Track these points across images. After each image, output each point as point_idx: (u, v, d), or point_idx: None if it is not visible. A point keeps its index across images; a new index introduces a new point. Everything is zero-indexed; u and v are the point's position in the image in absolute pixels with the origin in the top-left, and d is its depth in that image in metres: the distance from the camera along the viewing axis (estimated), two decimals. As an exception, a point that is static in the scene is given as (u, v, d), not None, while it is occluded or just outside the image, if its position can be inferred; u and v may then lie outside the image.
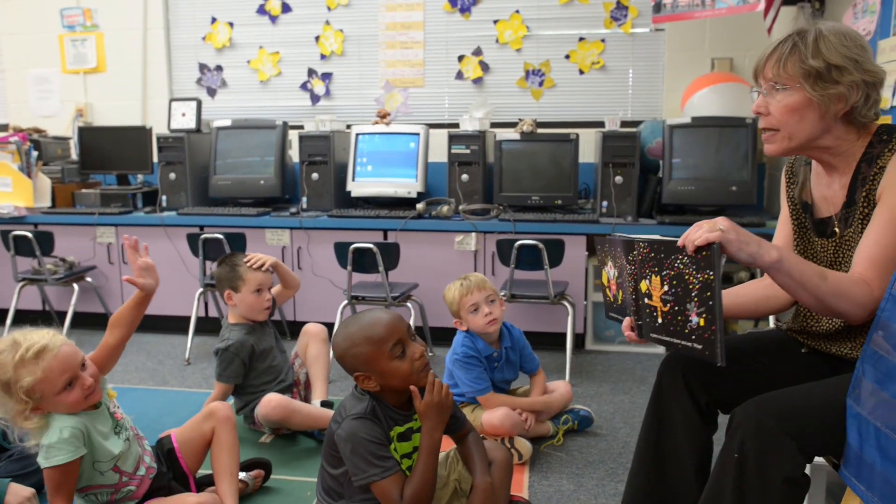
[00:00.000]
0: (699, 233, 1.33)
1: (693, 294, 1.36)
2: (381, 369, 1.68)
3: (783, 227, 1.74)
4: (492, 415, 2.49)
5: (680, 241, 1.36)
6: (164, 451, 2.08)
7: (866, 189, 1.49)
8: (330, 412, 2.62)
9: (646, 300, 1.50)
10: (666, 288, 1.43)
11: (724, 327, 1.33)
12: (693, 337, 1.38)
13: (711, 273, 1.31)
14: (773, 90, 1.51)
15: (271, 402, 2.54)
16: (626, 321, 1.60)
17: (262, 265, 2.68)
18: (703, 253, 1.32)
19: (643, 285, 1.50)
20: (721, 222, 1.34)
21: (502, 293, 3.42)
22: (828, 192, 1.61)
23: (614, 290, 1.67)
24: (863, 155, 1.52)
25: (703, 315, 1.35)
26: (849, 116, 1.49)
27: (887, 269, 1.39)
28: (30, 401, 1.71)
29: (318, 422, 2.60)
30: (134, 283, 2.01)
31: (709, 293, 1.32)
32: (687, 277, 1.37)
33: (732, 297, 1.71)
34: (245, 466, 2.28)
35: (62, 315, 4.09)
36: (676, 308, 1.41)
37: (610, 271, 1.68)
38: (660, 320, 1.47)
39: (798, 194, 1.69)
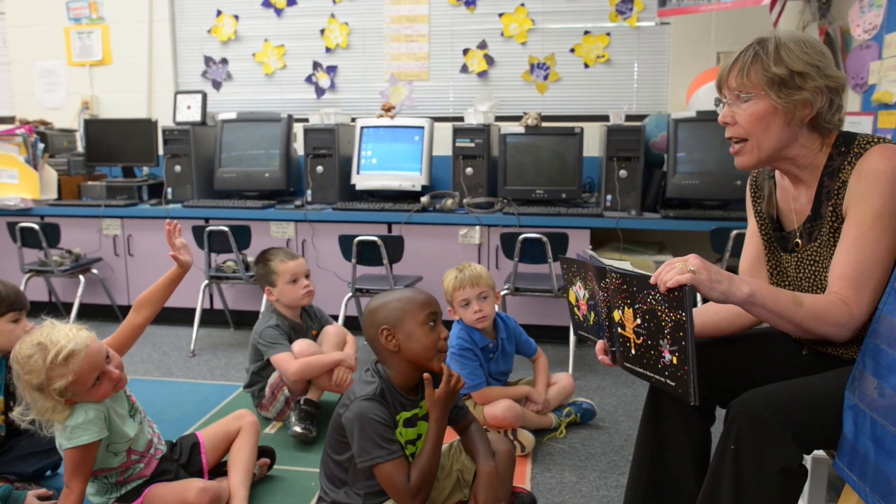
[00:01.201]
0: (670, 274, 1.32)
1: (666, 331, 1.35)
2: (409, 330, 1.74)
3: (751, 242, 1.73)
4: (494, 407, 2.51)
5: (653, 279, 1.35)
6: (188, 446, 2.13)
7: (832, 203, 1.49)
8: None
9: (619, 330, 1.49)
10: (639, 321, 1.41)
11: (696, 365, 1.32)
12: (666, 373, 1.38)
13: (683, 314, 1.30)
14: (737, 100, 1.51)
15: (304, 342, 2.72)
16: (600, 344, 1.59)
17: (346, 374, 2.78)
18: (675, 293, 1.31)
19: (616, 315, 1.48)
20: (692, 262, 1.34)
21: (506, 286, 3.44)
22: (795, 205, 1.61)
23: (584, 311, 1.66)
24: (825, 167, 1.52)
25: (676, 354, 1.34)
26: (814, 123, 1.50)
27: (863, 286, 1.40)
28: (62, 399, 1.78)
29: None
30: (177, 258, 2.17)
31: (681, 333, 1.31)
32: (660, 314, 1.35)
33: (704, 315, 1.70)
34: None
35: (68, 306, 4.12)
36: (650, 342, 1.40)
37: (579, 291, 1.66)
38: (633, 352, 1.46)
39: (765, 208, 1.69)
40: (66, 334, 1.79)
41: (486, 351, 2.62)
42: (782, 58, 1.45)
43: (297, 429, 2.58)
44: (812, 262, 1.56)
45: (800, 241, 1.59)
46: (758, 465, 1.34)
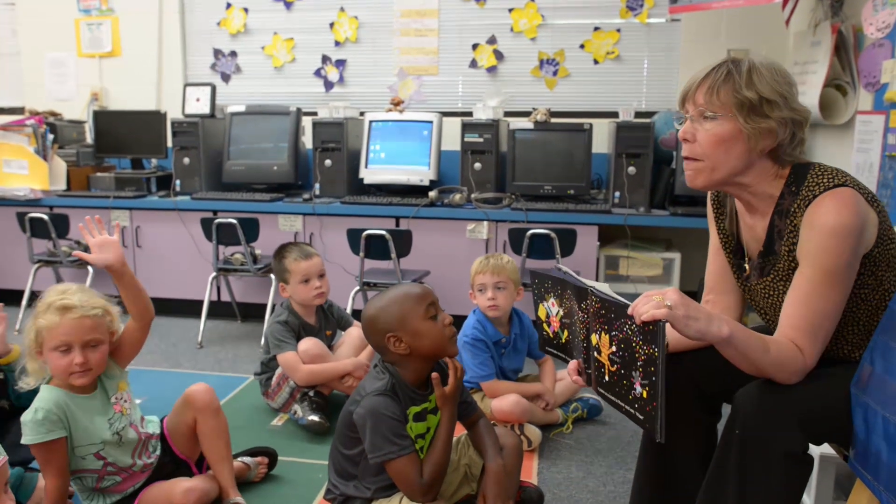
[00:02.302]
0: (646, 307, 1.28)
1: (638, 363, 1.31)
2: (414, 328, 1.73)
3: (715, 258, 1.70)
4: (502, 401, 2.52)
5: (630, 310, 1.31)
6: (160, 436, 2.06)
7: (785, 243, 1.47)
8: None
9: (595, 354, 1.46)
10: (614, 349, 1.38)
11: (665, 404, 1.28)
12: (636, 406, 1.34)
13: (656, 349, 1.26)
14: (701, 117, 1.46)
15: (310, 341, 2.73)
16: (574, 364, 1.56)
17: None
18: (650, 327, 1.27)
19: (593, 338, 1.45)
20: (670, 296, 1.29)
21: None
22: (752, 232, 1.59)
23: (555, 328, 1.62)
24: (775, 205, 1.49)
25: (647, 388, 1.30)
26: (773, 154, 1.46)
27: (815, 337, 1.39)
28: (34, 343, 1.75)
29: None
30: (82, 257, 1.98)
31: (652, 368, 1.28)
32: (634, 346, 1.32)
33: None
34: (250, 454, 2.29)
35: (77, 297, 4.13)
36: (622, 372, 1.37)
37: (551, 308, 1.62)
38: (606, 378, 1.43)
39: (727, 226, 1.67)
40: (83, 294, 1.77)
41: (498, 346, 2.63)
42: (754, 82, 1.41)
43: (315, 418, 2.60)
44: (766, 296, 1.55)
45: (750, 272, 1.59)
46: (763, 449, 1.34)
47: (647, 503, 1.76)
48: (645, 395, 1.31)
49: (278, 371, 2.75)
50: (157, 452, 2.00)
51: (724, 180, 1.49)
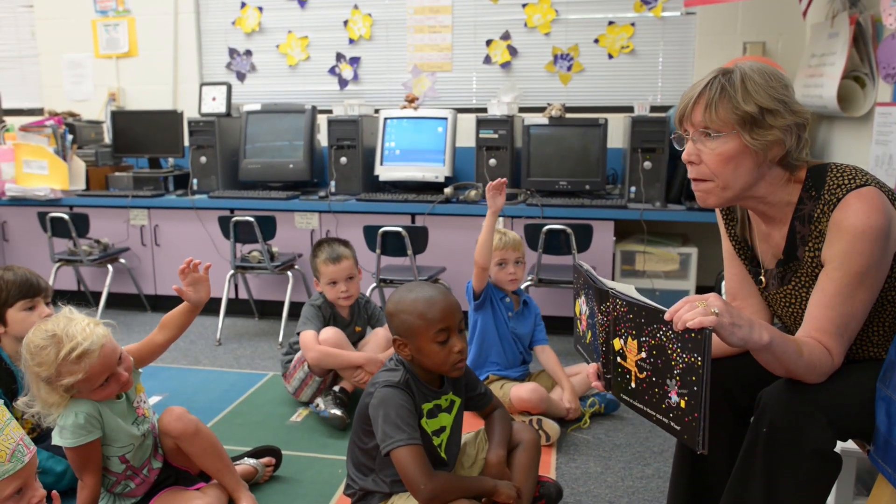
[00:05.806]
0: (692, 314, 1.21)
1: (675, 372, 1.25)
2: (419, 345, 1.74)
3: (732, 264, 1.68)
4: (520, 388, 2.55)
5: (668, 315, 1.25)
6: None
7: (809, 248, 1.44)
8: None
9: (618, 359, 1.39)
10: (644, 355, 1.31)
11: (708, 413, 1.21)
12: (671, 415, 1.28)
13: (699, 358, 1.20)
14: (703, 137, 1.41)
15: (332, 330, 2.78)
16: (593, 367, 1.51)
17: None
18: (694, 335, 1.20)
19: (616, 343, 1.38)
20: (716, 304, 1.23)
21: (529, 277, 3.45)
22: (768, 240, 1.56)
23: (584, 326, 1.57)
24: (795, 211, 1.46)
25: (685, 397, 1.23)
26: (782, 160, 1.43)
27: (843, 338, 1.38)
28: (67, 395, 1.75)
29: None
30: (181, 293, 2.05)
31: (694, 377, 1.21)
32: (670, 353, 1.25)
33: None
34: (256, 454, 2.29)
35: (97, 296, 4.19)
36: (654, 379, 1.30)
37: (583, 306, 1.57)
38: (633, 385, 1.36)
39: (739, 231, 1.64)
40: (83, 329, 1.71)
41: (504, 304, 2.73)
42: (750, 93, 1.37)
43: (337, 412, 2.62)
44: (788, 304, 1.54)
45: (766, 282, 1.57)
46: (791, 446, 1.33)
47: None
48: (683, 404, 1.24)
49: (298, 353, 2.80)
50: (160, 463, 2.01)
51: (737, 196, 1.46)
